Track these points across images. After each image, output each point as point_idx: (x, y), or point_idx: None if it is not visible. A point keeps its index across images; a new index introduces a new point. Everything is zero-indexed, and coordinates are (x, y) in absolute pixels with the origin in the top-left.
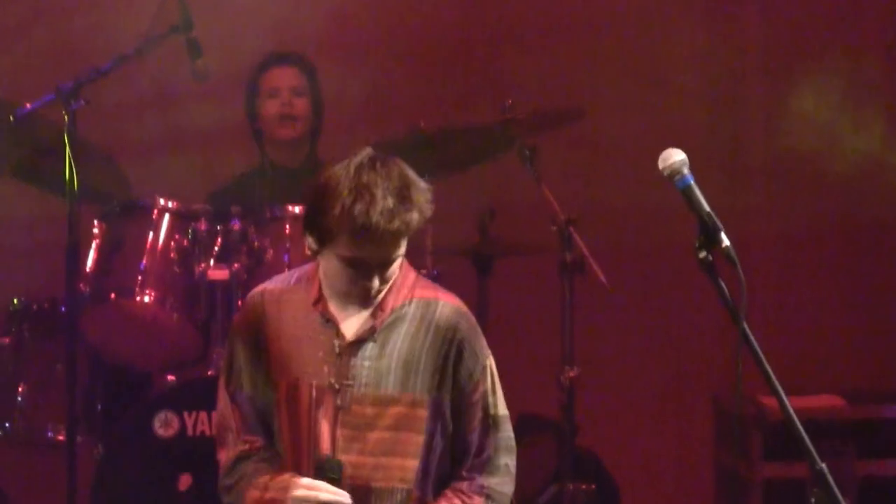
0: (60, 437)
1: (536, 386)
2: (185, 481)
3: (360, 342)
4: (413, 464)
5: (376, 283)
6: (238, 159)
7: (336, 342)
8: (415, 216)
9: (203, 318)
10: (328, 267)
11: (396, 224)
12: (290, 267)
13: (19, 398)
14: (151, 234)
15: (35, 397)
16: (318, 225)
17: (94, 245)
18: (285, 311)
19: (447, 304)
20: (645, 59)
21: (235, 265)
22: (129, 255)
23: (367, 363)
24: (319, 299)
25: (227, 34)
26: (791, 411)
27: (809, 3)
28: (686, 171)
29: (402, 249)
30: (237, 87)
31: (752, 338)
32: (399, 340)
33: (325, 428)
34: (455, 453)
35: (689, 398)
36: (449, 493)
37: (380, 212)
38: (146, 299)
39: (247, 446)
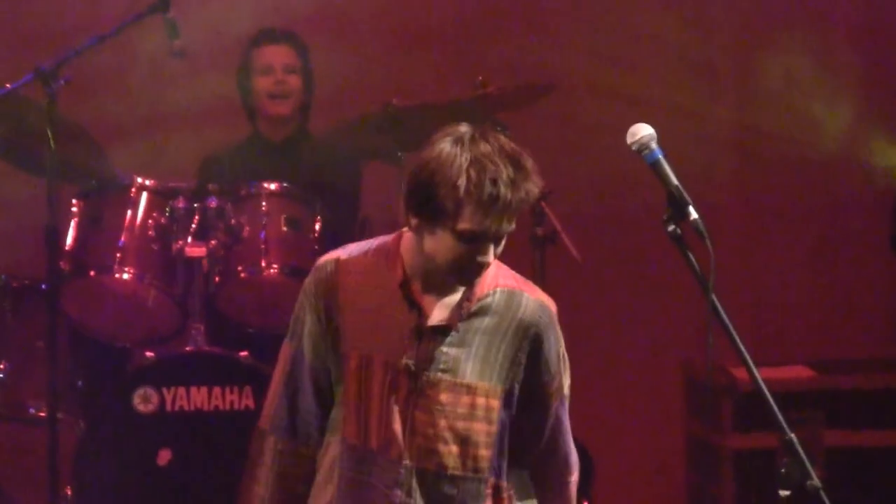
0: (42, 414)
1: None
2: (164, 456)
3: (442, 329)
4: (486, 453)
5: (490, 257)
6: (223, 136)
7: (418, 326)
8: (533, 186)
9: (181, 294)
10: (434, 246)
11: (522, 193)
12: (266, 243)
13: (1, 375)
14: (130, 211)
15: (16, 374)
16: (433, 202)
17: (73, 223)
18: (362, 283)
19: (531, 298)
20: (615, 35)
21: (212, 242)
22: (107, 232)
23: (446, 350)
24: (405, 280)
25: (213, 12)
26: (761, 382)
27: None
28: (654, 145)
29: (514, 224)
30: (221, 63)
31: (721, 310)
32: (481, 330)
33: (397, 410)
34: (528, 434)
35: (661, 369)
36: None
37: (506, 181)
38: (125, 276)
39: (266, 423)
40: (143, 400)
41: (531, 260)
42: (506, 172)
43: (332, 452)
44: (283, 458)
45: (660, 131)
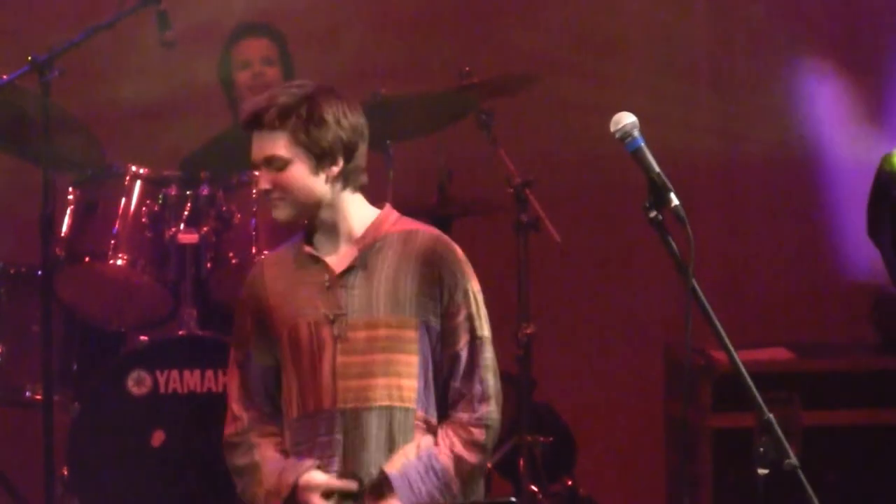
0: (38, 397)
1: (494, 342)
2: (158, 437)
3: (347, 272)
4: (411, 384)
5: (263, 184)
6: (210, 125)
7: (326, 276)
8: (280, 110)
9: (173, 280)
10: None
11: (254, 110)
12: (256, 230)
13: None
14: (124, 199)
15: (12, 358)
16: None
17: (68, 211)
18: (279, 269)
19: (427, 232)
20: (597, 24)
21: (204, 229)
22: (102, 220)
23: (356, 291)
24: (305, 239)
25: (201, 4)
26: (739, 364)
27: None
28: (636, 133)
29: (283, 150)
30: (209, 53)
31: (700, 293)
32: (384, 267)
33: (326, 357)
34: (445, 373)
35: (641, 351)
36: (449, 430)
37: (257, 104)
38: (119, 262)
39: (233, 428)
40: (137, 383)
41: (515, 245)
42: (270, 97)
43: (285, 439)
44: (265, 453)
45: (642, 118)
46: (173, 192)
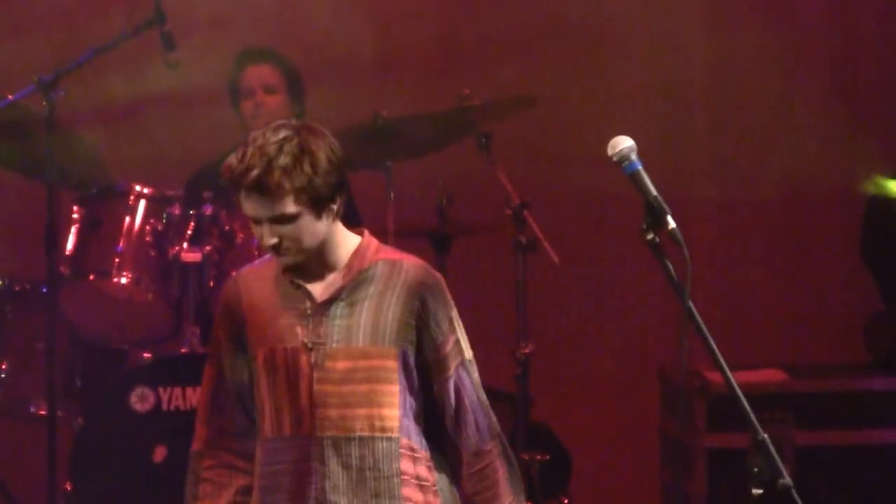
0: (41, 412)
1: (492, 360)
2: (160, 453)
3: (329, 302)
4: (393, 413)
5: (271, 240)
6: (218, 144)
7: (308, 304)
8: (303, 170)
9: (176, 298)
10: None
11: (278, 176)
12: (258, 249)
13: (2, 374)
14: (128, 218)
15: (17, 373)
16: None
17: (73, 228)
18: (258, 286)
19: (410, 263)
20: (594, 48)
21: (207, 247)
22: (106, 238)
23: (337, 321)
24: (286, 268)
25: (205, 28)
26: (735, 384)
27: None
28: (634, 156)
29: (292, 207)
30: (217, 72)
31: (697, 315)
32: (367, 298)
33: (303, 386)
34: (437, 401)
35: (637, 371)
36: (472, 459)
37: (261, 165)
38: (123, 280)
39: (198, 444)
40: (140, 399)
41: (513, 266)
42: (266, 158)
43: (257, 457)
44: (219, 474)
45: (638, 140)
46: (177, 211)
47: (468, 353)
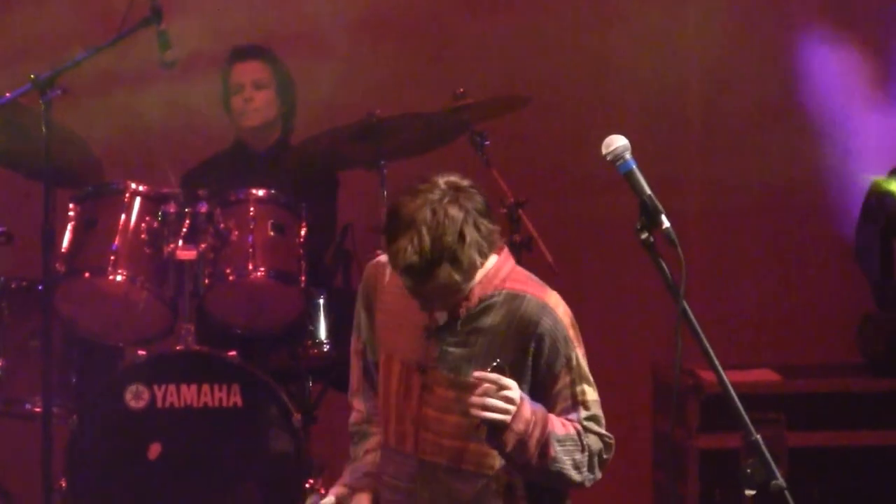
0: (37, 409)
1: None
2: (155, 450)
3: (448, 327)
4: (493, 451)
5: (430, 306)
6: (210, 144)
7: (427, 326)
8: (461, 258)
9: (171, 296)
10: None
11: (432, 262)
12: (253, 248)
13: None
14: (123, 215)
15: (12, 371)
16: None
17: (69, 226)
18: (393, 283)
19: (533, 299)
20: (590, 46)
21: (202, 245)
22: (102, 235)
23: (451, 349)
24: None
25: (198, 26)
26: (728, 385)
27: None
28: (628, 155)
29: (447, 277)
30: (209, 71)
31: (691, 314)
32: (483, 331)
33: (409, 406)
34: None
35: (630, 371)
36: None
37: (414, 251)
38: (118, 278)
39: (353, 418)
40: (135, 396)
41: None
42: (417, 243)
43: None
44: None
45: (633, 139)
46: (172, 209)
47: (586, 395)
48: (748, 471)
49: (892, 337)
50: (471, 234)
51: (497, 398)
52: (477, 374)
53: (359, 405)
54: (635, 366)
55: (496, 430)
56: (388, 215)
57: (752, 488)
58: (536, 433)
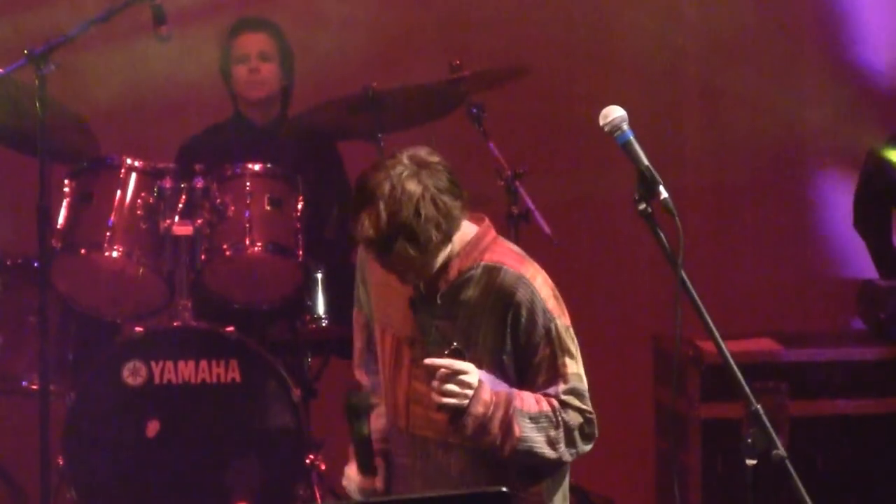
0: (34, 386)
1: None
2: (152, 427)
3: (432, 297)
4: None
5: (401, 278)
6: (208, 117)
7: (412, 298)
8: (419, 225)
9: (168, 271)
10: None
11: (390, 231)
12: (250, 223)
13: None
14: (119, 191)
15: (9, 348)
16: None
17: (64, 202)
18: None
19: (510, 271)
20: (587, 17)
21: (199, 221)
22: (98, 211)
23: (436, 322)
24: None
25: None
26: (728, 355)
27: None
28: (625, 126)
29: (404, 251)
30: (207, 46)
31: (689, 284)
32: (464, 303)
33: (401, 378)
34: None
35: (631, 342)
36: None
37: (371, 222)
38: (114, 254)
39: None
40: (132, 373)
41: (505, 237)
42: (374, 217)
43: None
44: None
45: (630, 110)
46: (168, 185)
47: (565, 369)
48: (749, 440)
49: (892, 304)
50: (427, 210)
51: (453, 383)
52: (427, 361)
53: (362, 378)
54: (636, 336)
55: (455, 415)
56: (355, 188)
57: (753, 458)
58: (499, 414)
